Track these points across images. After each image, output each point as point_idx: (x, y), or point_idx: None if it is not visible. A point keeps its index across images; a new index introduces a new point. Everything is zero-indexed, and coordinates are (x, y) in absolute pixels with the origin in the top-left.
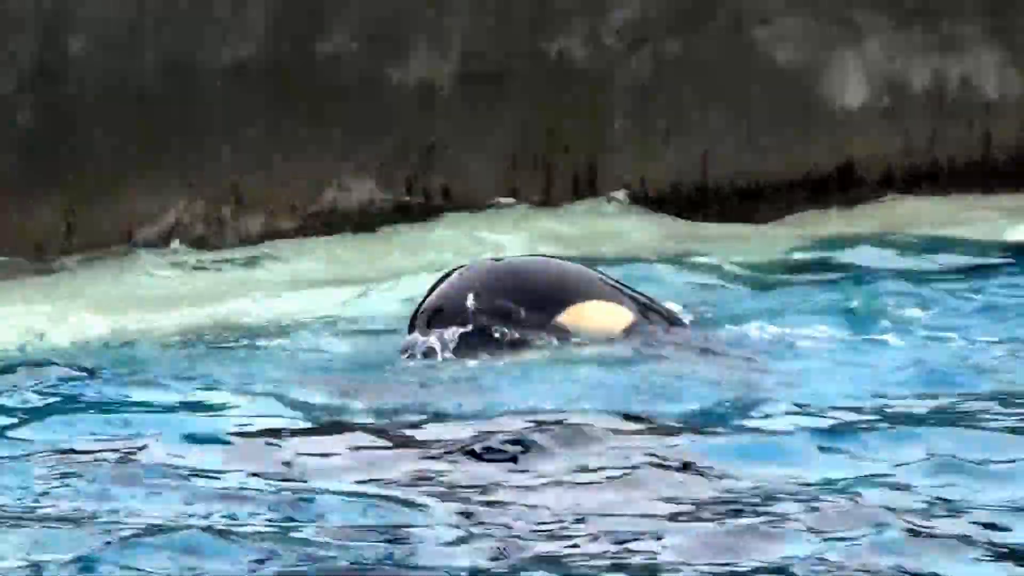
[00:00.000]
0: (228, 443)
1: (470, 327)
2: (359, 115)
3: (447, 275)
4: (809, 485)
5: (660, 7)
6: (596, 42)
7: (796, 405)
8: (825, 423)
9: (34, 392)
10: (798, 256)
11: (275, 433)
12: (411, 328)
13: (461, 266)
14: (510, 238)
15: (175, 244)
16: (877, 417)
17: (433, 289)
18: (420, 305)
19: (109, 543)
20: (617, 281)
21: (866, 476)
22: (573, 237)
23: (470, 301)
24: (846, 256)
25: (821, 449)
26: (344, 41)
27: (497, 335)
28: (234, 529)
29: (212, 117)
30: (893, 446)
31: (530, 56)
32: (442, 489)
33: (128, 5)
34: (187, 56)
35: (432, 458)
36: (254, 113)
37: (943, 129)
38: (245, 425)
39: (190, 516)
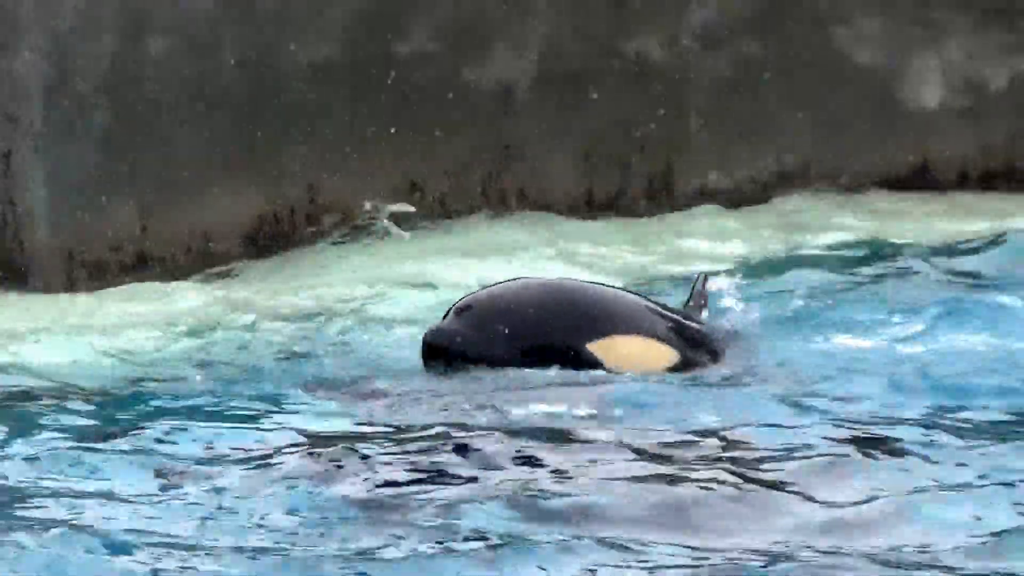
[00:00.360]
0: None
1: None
2: (437, 116)
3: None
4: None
5: (738, 7)
6: (674, 42)
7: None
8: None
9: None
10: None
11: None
12: (432, 349)
13: (501, 282)
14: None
15: (253, 244)
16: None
17: (464, 309)
18: (444, 327)
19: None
20: (670, 310)
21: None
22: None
23: (489, 330)
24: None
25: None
26: (423, 41)
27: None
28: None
29: (290, 117)
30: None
31: (608, 56)
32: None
33: (208, 5)
34: (266, 56)
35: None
36: (333, 113)
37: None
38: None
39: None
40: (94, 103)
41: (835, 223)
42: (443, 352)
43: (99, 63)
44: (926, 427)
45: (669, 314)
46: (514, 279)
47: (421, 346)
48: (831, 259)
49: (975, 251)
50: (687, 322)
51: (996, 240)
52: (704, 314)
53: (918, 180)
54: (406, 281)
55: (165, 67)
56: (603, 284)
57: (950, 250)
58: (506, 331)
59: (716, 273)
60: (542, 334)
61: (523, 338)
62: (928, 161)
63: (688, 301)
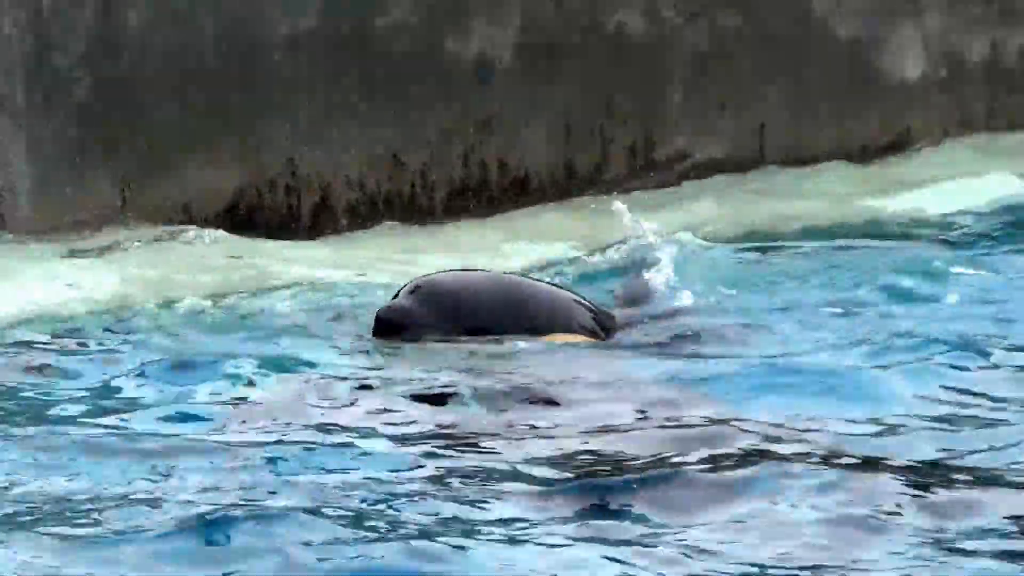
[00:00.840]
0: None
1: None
2: (416, 88)
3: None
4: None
5: None
6: (654, 15)
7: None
8: None
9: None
10: None
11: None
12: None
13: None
14: None
15: (231, 217)
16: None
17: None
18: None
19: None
20: (583, 300)
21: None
22: None
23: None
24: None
25: None
26: (403, 14)
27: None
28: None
29: (269, 90)
30: None
31: (588, 29)
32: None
33: None
34: (245, 28)
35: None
36: (312, 86)
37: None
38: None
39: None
40: (74, 77)
41: (812, 192)
42: (394, 328)
43: (78, 37)
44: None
45: (588, 309)
46: (462, 269)
47: (374, 321)
48: (800, 231)
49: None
50: (601, 315)
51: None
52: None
53: (898, 150)
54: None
55: (143, 40)
56: (538, 280)
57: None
58: (455, 311)
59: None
60: (489, 319)
61: (469, 319)
62: (910, 131)
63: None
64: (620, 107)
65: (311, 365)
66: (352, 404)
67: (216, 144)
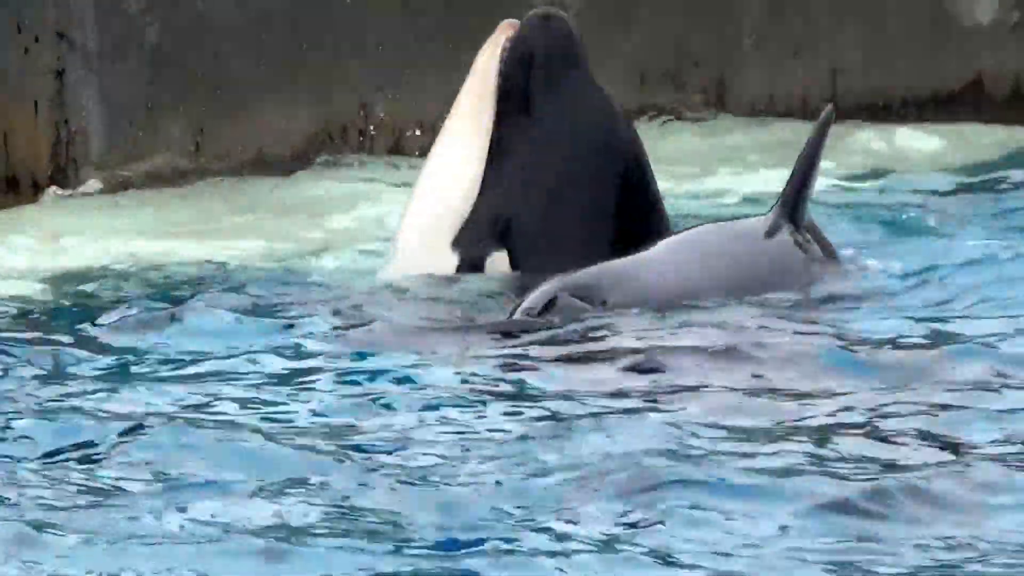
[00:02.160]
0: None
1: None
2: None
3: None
4: None
5: None
6: None
7: None
8: None
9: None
10: None
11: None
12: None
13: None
14: None
15: (304, 161)
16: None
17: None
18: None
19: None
20: None
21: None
22: None
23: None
24: None
25: None
26: None
27: None
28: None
29: (341, 34)
30: None
31: None
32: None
33: None
34: None
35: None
36: (385, 31)
37: None
38: None
39: None
40: (145, 21)
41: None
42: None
43: None
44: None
45: None
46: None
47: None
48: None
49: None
50: None
51: None
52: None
53: (970, 97)
54: None
55: None
56: None
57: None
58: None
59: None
60: None
61: None
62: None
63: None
64: (693, 49)
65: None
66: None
67: (289, 88)
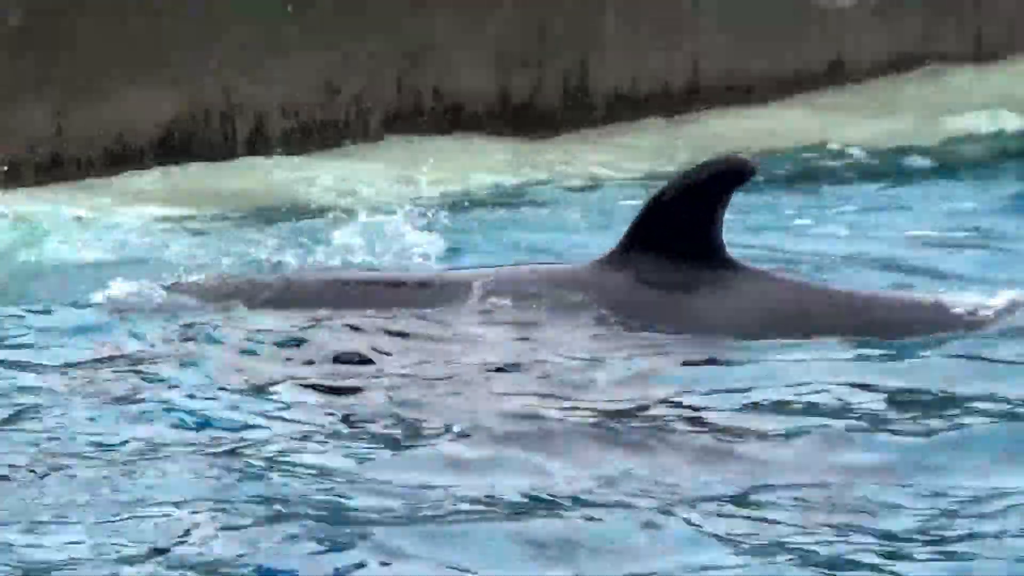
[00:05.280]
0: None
1: None
2: (349, 15)
3: None
4: None
5: None
6: None
7: None
8: None
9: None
10: None
11: None
12: None
13: None
14: None
15: (162, 147)
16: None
17: None
18: None
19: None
20: None
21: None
22: None
23: None
24: None
25: None
26: None
27: None
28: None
29: (206, 18)
30: None
31: None
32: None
33: None
34: None
35: None
36: (249, 13)
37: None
38: None
39: None
40: (7, 3)
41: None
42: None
43: None
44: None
45: None
46: None
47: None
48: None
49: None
50: None
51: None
52: None
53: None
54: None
55: None
56: None
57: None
58: None
59: None
60: None
61: None
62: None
63: None
64: (554, 33)
65: None
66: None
67: (152, 72)
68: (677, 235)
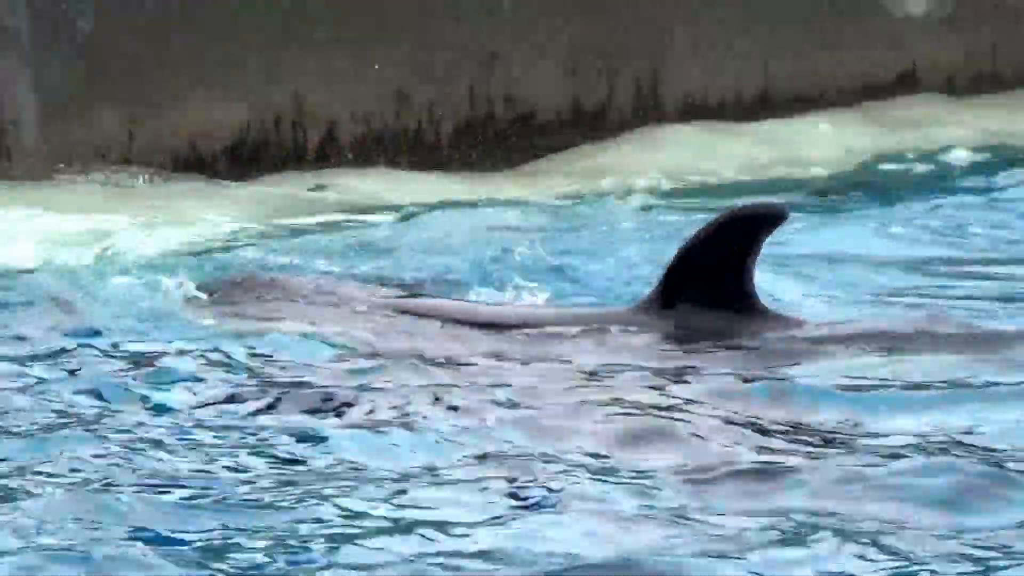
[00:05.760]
0: None
1: None
2: (421, 22)
3: None
4: None
5: None
6: None
7: None
8: None
9: None
10: None
11: None
12: None
13: None
14: None
15: (233, 154)
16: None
17: None
18: None
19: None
20: None
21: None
22: None
23: None
24: None
25: None
26: None
27: None
28: None
29: (277, 24)
30: None
31: None
32: None
33: None
34: None
35: None
36: (319, 20)
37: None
38: None
39: None
40: (79, 10)
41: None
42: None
43: None
44: None
45: None
46: None
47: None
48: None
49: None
50: None
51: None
52: None
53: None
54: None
55: None
56: None
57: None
58: None
59: None
60: None
61: None
62: (916, 68)
63: None
64: (625, 43)
65: None
66: None
67: (222, 78)
68: (709, 283)
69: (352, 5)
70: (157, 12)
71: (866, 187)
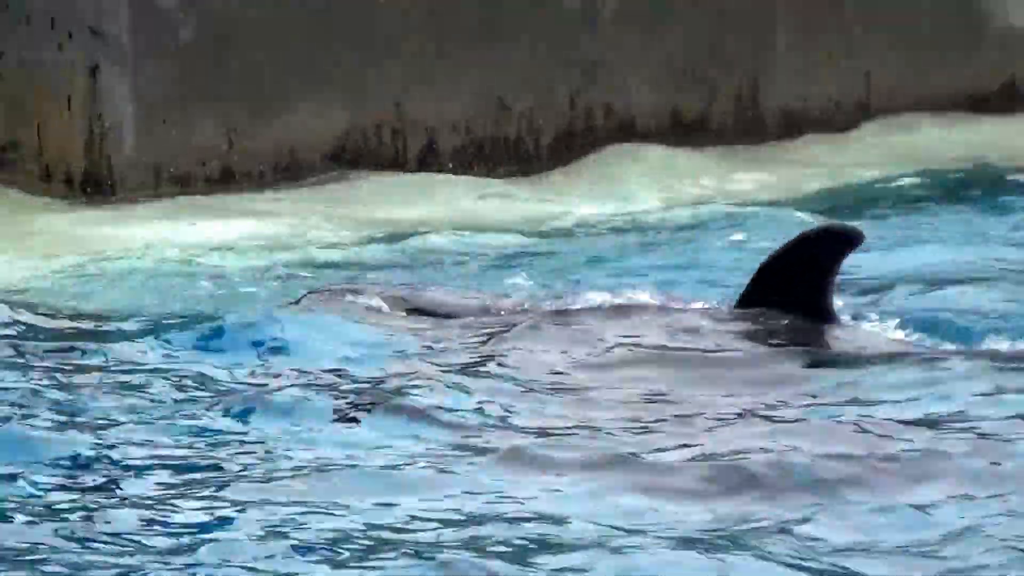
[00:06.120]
0: None
1: None
2: (522, 31)
3: None
4: None
5: None
6: None
7: None
8: None
9: None
10: None
11: None
12: None
13: None
14: None
15: (333, 161)
16: None
17: None
18: None
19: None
20: None
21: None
22: None
23: None
24: None
25: None
26: None
27: None
28: None
29: (375, 33)
30: None
31: None
32: None
33: None
34: None
35: None
36: (417, 29)
37: None
38: None
39: None
40: (179, 18)
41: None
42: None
43: None
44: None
45: None
46: None
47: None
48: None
49: None
50: None
51: None
52: None
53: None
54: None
55: None
56: None
57: None
58: None
59: None
60: None
61: None
62: (1017, 80)
63: None
64: (726, 52)
65: None
66: None
67: (321, 88)
68: (787, 294)
69: (451, 15)
70: (257, 21)
71: (967, 198)
